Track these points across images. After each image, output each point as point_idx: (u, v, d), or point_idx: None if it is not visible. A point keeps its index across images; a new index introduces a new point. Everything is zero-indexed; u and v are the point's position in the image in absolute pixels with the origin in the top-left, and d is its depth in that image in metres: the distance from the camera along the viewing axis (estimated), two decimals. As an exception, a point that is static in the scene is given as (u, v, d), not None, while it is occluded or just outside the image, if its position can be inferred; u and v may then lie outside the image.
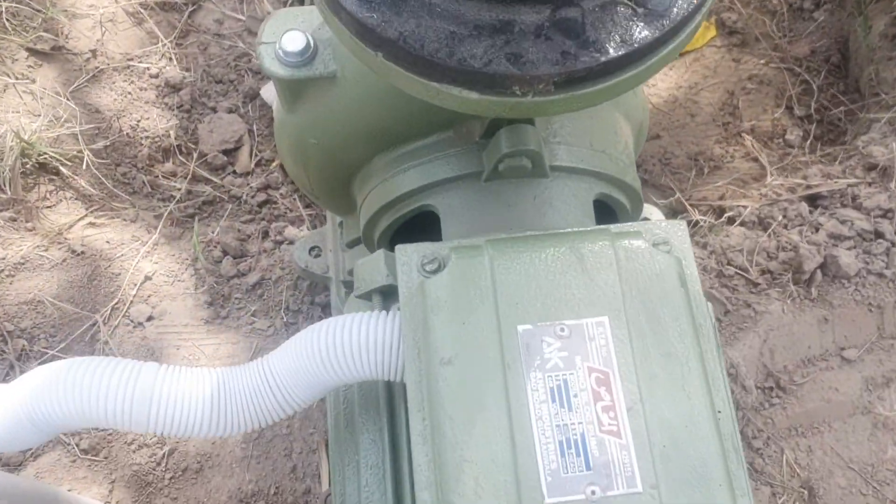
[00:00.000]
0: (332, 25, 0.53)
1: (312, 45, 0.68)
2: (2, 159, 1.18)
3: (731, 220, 1.18)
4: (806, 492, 0.98)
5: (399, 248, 0.58)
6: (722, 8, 1.55)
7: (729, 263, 1.10)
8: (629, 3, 0.50)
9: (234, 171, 1.39)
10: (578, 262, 0.56)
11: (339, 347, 0.57)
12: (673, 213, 1.25)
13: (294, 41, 0.67)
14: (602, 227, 0.61)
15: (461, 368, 0.52)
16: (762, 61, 1.49)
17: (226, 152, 1.40)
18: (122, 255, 1.16)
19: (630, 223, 0.67)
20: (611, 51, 0.50)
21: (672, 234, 0.60)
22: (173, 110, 1.42)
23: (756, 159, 1.35)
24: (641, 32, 0.50)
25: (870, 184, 1.17)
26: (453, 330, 0.53)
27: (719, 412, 0.53)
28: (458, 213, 0.69)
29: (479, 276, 0.55)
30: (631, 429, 0.51)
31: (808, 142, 1.37)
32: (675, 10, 0.51)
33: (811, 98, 1.44)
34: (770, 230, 1.14)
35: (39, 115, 1.27)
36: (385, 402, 0.64)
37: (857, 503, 0.99)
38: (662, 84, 1.52)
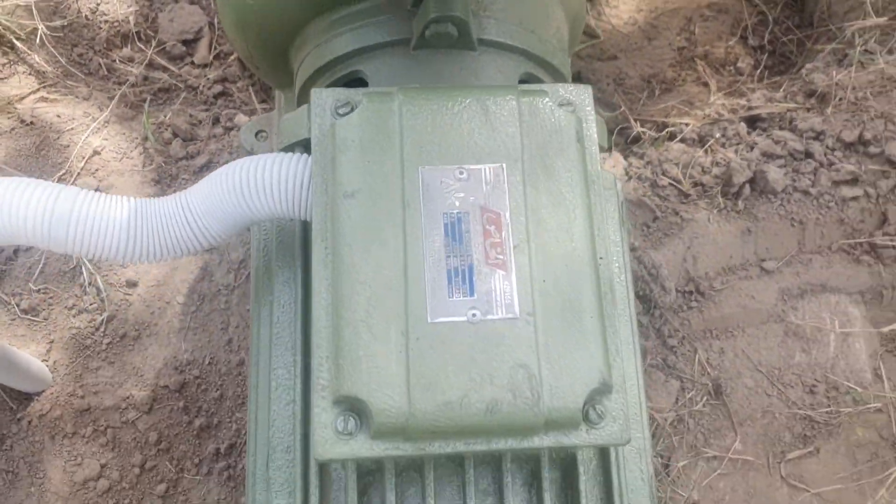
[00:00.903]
0: None
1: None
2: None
3: (671, 136, 1.21)
4: (713, 388, 1.04)
5: (314, 91, 0.60)
6: (689, -65, 1.56)
7: (663, 174, 1.14)
8: None
9: (193, 62, 1.40)
10: (483, 113, 0.59)
11: (253, 182, 0.60)
12: (618, 126, 1.28)
13: None
14: (510, 85, 0.64)
15: (363, 202, 0.55)
16: (722, -10, 1.51)
17: (185, 42, 1.40)
18: (72, 129, 1.17)
19: (538, 84, 0.69)
20: None
21: (577, 96, 0.63)
22: (134, -4, 1.42)
23: (706, 84, 1.38)
24: None
25: (808, 109, 1.20)
26: (359, 167, 0.56)
27: (601, 258, 0.57)
28: (385, 80, 0.72)
29: (387, 119, 0.58)
30: (515, 264, 0.54)
31: (759, 70, 1.40)
32: None
33: (766, 29, 1.47)
34: (707, 146, 1.17)
35: (-6, -14, 1.26)
36: (300, 245, 0.67)
37: (762, 402, 1.04)
38: (623, 7, 1.53)
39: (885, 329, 1.09)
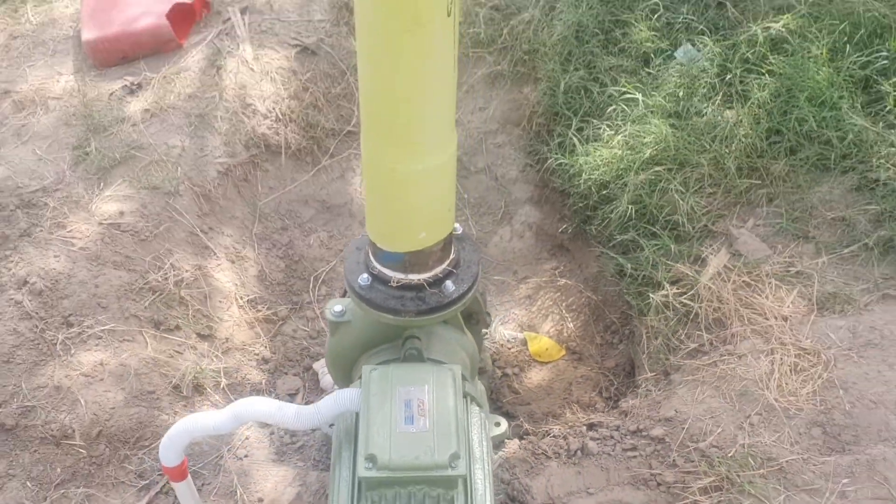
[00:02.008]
0: (352, 297, 1.76)
1: (344, 309, 1.90)
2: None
3: (546, 434, 2.27)
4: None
5: (364, 367, 1.73)
6: (571, 339, 2.78)
7: (540, 448, 2.17)
8: (433, 289, 1.73)
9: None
10: (425, 373, 1.70)
11: (345, 400, 1.69)
12: (522, 433, 2.35)
13: (336, 307, 1.89)
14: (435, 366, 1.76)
15: (377, 399, 1.64)
16: (588, 368, 2.68)
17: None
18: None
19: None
20: (433, 301, 1.71)
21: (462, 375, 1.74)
22: (263, 373, 2.61)
23: (576, 414, 2.47)
24: (442, 300, 1.71)
25: (617, 418, 2.27)
26: (373, 391, 1.66)
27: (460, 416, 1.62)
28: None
29: (387, 374, 1.69)
30: (429, 416, 1.61)
31: (607, 410, 2.49)
32: (456, 295, 1.73)
33: (612, 388, 2.60)
34: (565, 436, 2.22)
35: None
36: (354, 434, 1.73)
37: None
38: (534, 378, 2.69)
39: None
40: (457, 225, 1.83)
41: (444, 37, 1.33)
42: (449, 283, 1.73)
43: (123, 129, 2.88)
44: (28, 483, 2.06)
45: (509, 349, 2.78)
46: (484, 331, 2.72)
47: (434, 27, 1.30)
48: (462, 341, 1.95)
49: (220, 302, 2.68)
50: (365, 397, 1.65)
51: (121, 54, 3.12)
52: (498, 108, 3.22)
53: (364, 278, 1.73)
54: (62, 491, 2.05)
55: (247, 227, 2.91)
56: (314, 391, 2.58)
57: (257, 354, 2.64)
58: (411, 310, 1.71)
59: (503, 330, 2.83)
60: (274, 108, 3.03)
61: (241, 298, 2.75)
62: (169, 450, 1.70)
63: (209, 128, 2.92)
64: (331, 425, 1.83)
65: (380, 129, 1.47)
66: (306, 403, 2.38)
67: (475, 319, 2.12)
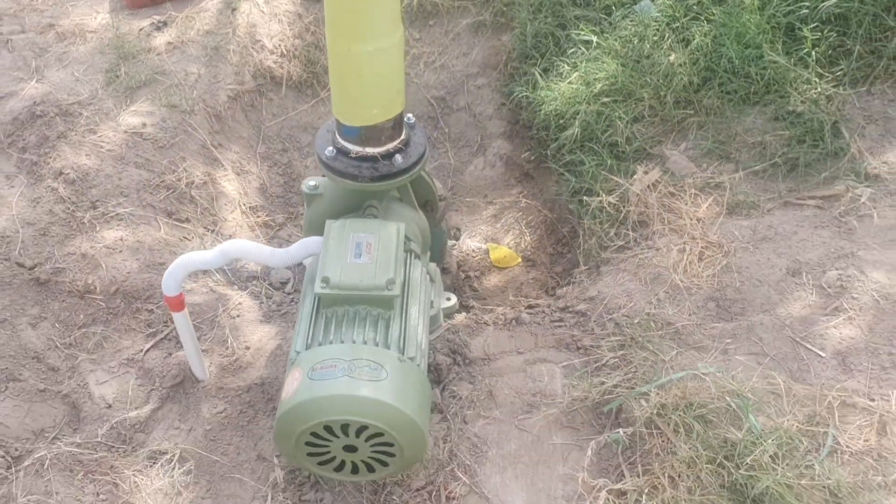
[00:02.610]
0: (321, 167, 2.17)
1: (317, 184, 2.32)
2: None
3: (488, 311, 2.67)
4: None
5: (328, 222, 2.15)
6: (527, 249, 3.18)
7: (484, 317, 2.57)
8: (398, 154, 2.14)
9: (280, 290, 2.95)
10: (372, 225, 2.12)
11: (311, 246, 2.11)
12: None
13: (311, 182, 2.31)
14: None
15: (336, 240, 2.06)
16: (539, 273, 3.07)
17: (278, 282, 2.97)
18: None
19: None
20: (384, 170, 2.12)
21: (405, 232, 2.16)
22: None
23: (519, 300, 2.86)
24: (391, 170, 2.12)
25: (555, 301, 2.67)
26: (332, 236, 2.08)
27: (405, 252, 2.03)
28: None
29: (346, 224, 2.11)
30: (373, 254, 2.02)
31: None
32: (404, 166, 2.14)
33: (556, 286, 2.99)
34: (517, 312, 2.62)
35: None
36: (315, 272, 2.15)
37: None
38: (494, 279, 3.09)
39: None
40: (410, 115, 2.25)
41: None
42: (398, 157, 2.14)
43: (149, 57, 3.33)
44: (56, 324, 2.50)
45: (473, 257, 3.19)
46: (452, 242, 3.15)
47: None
48: (414, 216, 2.36)
49: (225, 205, 3.11)
50: (325, 241, 2.07)
51: (150, -4, 3.58)
52: (479, 54, 3.63)
53: (330, 150, 2.15)
54: (83, 331, 2.49)
55: (251, 146, 3.35)
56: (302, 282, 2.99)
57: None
58: (366, 176, 2.13)
59: (469, 242, 3.24)
60: (280, 45, 3.46)
61: (244, 205, 3.18)
62: (170, 280, 2.13)
63: (222, 59, 3.36)
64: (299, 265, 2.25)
65: (338, 17, 1.89)
66: (295, 291, 2.81)
67: (430, 207, 2.52)
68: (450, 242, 3.23)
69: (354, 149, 2.13)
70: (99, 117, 3.07)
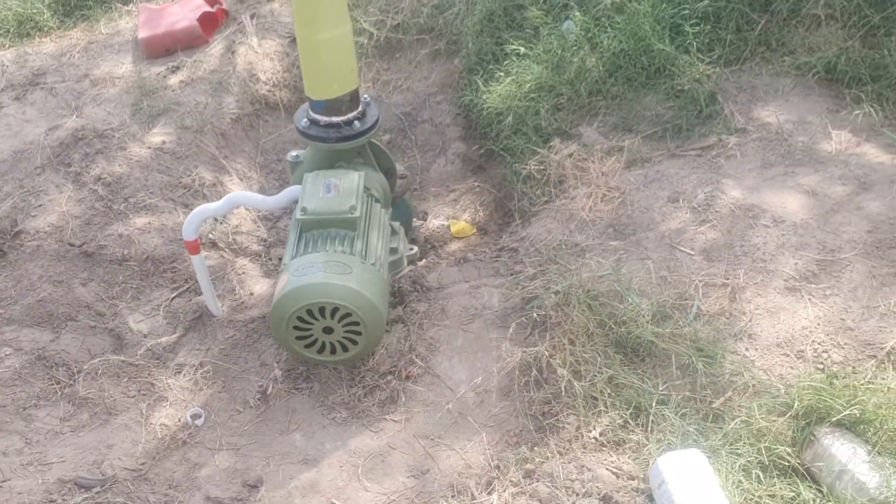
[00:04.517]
0: (299, 133, 2.88)
1: (298, 154, 3.02)
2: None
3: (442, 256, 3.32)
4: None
5: (306, 175, 2.84)
6: (481, 222, 3.85)
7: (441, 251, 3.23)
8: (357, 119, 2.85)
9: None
10: (343, 172, 2.81)
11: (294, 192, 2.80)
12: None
13: (294, 153, 3.02)
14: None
15: (311, 184, 2.74)
16: (490, 238, 3.74)
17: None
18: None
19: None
20: (346, 133, 2.82)
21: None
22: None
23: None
24: (351, 132, 2.83)
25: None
26: (308, 182, 2.76)
27: (366, 192, 2.71)
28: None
29: (318, 173, 2.79)
30: (340, 190, 2.70)
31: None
32: (361, 130, 2.84)
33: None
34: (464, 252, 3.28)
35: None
36: (299, 210, 2.84)
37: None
38: (453, 246, 3.76)
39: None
40: (366, 96, 2.98)
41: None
42: (357, 123, 2.86)
43: (166, 93, 4.10)
44: (102, 283, 3.19)
45: (438, 233, 3.86)
46: (420, 222, 3.83)
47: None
48: (376, 176, 3.06)
49: (231, 202, 3.81)
50: (304, 185, 2.77)
51: (165, 48, 4.38)
52: (437, 76, 4.39)
53: (304, 121, 2.87)
54: (123, 286, 3.18)
55: (252, 158, 4.08)
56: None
57: (258, 236, 3.76)
58: (333, 138, 2.84)
59: (434, 221, 3.92)
60: (272, 78, 4.24)
61: (247, 203, 3.88)
62: (189, 226, 2.81)
63: (226, 90, 4.13)
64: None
65: (302, 14, 2.63)
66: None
67: (390, 173, 3.22)
68: (418, 223, 3.92)
69: (322, 119, 2.84)
70: (128, 138, 3.82)
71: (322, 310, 2.52)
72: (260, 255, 3.54)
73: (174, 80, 4.21)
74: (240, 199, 2.83)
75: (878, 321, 2.47)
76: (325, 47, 2.66)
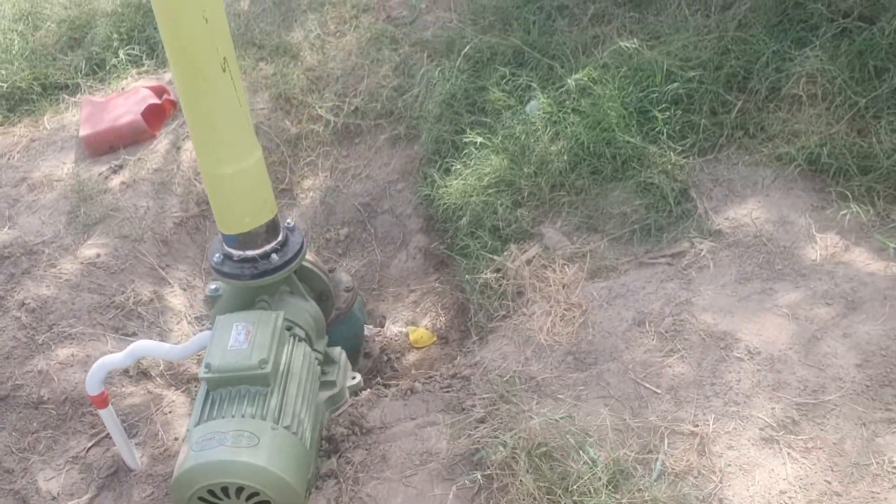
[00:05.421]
0: (212, 271, 2.58)
1: (217, 287, 2.72)
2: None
3: (389, 386, 3.00)
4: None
5: (219, 317, 2.54)
6: (442, 328, 3.52)
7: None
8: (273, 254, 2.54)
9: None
10: (258, 314, 2.50)
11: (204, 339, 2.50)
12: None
13: (212, 286, 2.72)
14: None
15: (221, 329, 2.44)
16: (451, 349, 3.41)
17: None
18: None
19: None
20: (262, 268, 2.52)
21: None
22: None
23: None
24: (268, 267, 2.52)
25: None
26: (218, 327, 2.46)
27: (287, 331, 2.40)
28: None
29: (231, 317, 2.49)
30: (251, 339, 2.39)
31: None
32: (280, 263, 2.53)
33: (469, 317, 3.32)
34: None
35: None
36: (212, 358, 2.53)
37: (400, 460, 2.63)
38: (411, 358, 3.43)
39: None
40: (290, 220, 2.67)
41: (225, 84, 2.20)
42: (275, 256, 2.55)
43: (105, 197, 3.84)
44: (13, 433, 2.89)
45: (396, 341, 3.54)
46: (377, 329, 3.51)
47: (215, 78, 2.17)
48: (305, 306, 2.74)
49: (171, 317, 3.53)
50: (213, 332, 2.46)
51: (108, 145, 4.12)
52: (398, 163, 4.09)
53: (217, 256, 2.57)
54: (36, 436, 2.88)
55: (197, 263, 3.80)
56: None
57: (199, 356, 3.45)
58: (248, 274, 2.53)
59: (393, 327, 3.60)
60: (218, 174, 3.96)
61: (190, 316, 3.60)
62: (91, 381, 2.51)
63: (169, 191, 3.85)
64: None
65: (200, 145, 2.34)
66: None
67: (325, 297, 2.91)
68: (374, 329, 3.60)
69: (236, 253, 2.54)
70: (59, 253, 3.55)
71: (225, 490, 2.20)
72: (196, 383, 3.23)
73: (115, 181, 3.95)
74: (144, 349, 2.53)
75: (870, 485, 2.10)
76: (231, 181, 2.36)
